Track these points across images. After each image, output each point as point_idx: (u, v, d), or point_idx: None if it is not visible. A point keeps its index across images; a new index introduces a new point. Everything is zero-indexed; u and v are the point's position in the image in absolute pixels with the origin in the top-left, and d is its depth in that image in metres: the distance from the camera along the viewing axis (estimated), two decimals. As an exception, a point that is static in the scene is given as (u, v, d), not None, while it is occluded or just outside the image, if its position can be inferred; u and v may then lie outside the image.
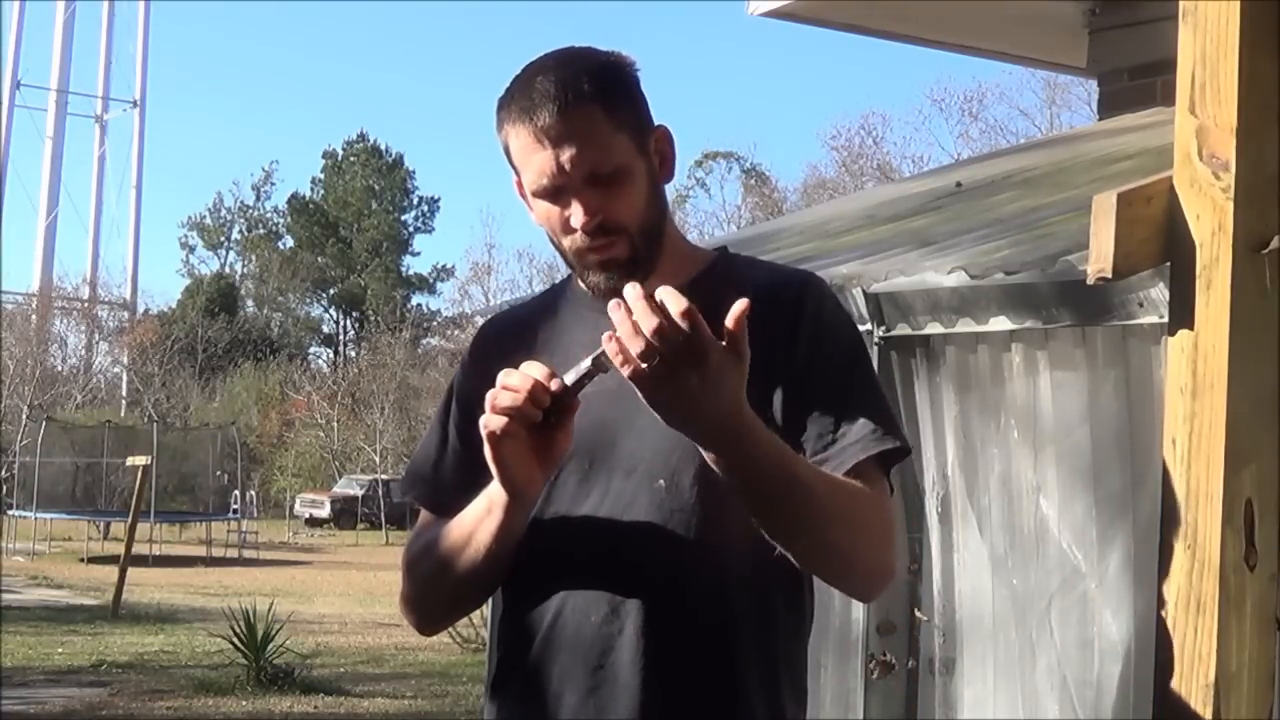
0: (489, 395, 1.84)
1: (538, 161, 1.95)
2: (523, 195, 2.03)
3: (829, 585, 2.01)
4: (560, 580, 1.95)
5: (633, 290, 1.73)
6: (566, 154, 1.93)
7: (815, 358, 1.97)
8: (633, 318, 1.71)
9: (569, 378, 1.83)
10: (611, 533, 1.93)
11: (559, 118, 1.93)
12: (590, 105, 1.94)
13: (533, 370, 1.83)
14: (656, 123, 2.03)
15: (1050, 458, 4.04)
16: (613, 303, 1.73)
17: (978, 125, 41.85)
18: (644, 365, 1.71)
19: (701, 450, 1.81)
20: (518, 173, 2.01)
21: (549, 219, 1.99)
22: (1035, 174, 5.64)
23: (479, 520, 1.95)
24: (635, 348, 1.71)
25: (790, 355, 1.96)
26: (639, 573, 1.92)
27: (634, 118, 1.99)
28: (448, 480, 2.08)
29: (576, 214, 1.95)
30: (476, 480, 1.97)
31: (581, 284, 2.06)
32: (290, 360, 54.19)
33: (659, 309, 1.71)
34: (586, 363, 1.81)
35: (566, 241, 1.99)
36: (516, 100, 1.97)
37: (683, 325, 1.70)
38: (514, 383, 1.83)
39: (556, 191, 1.96)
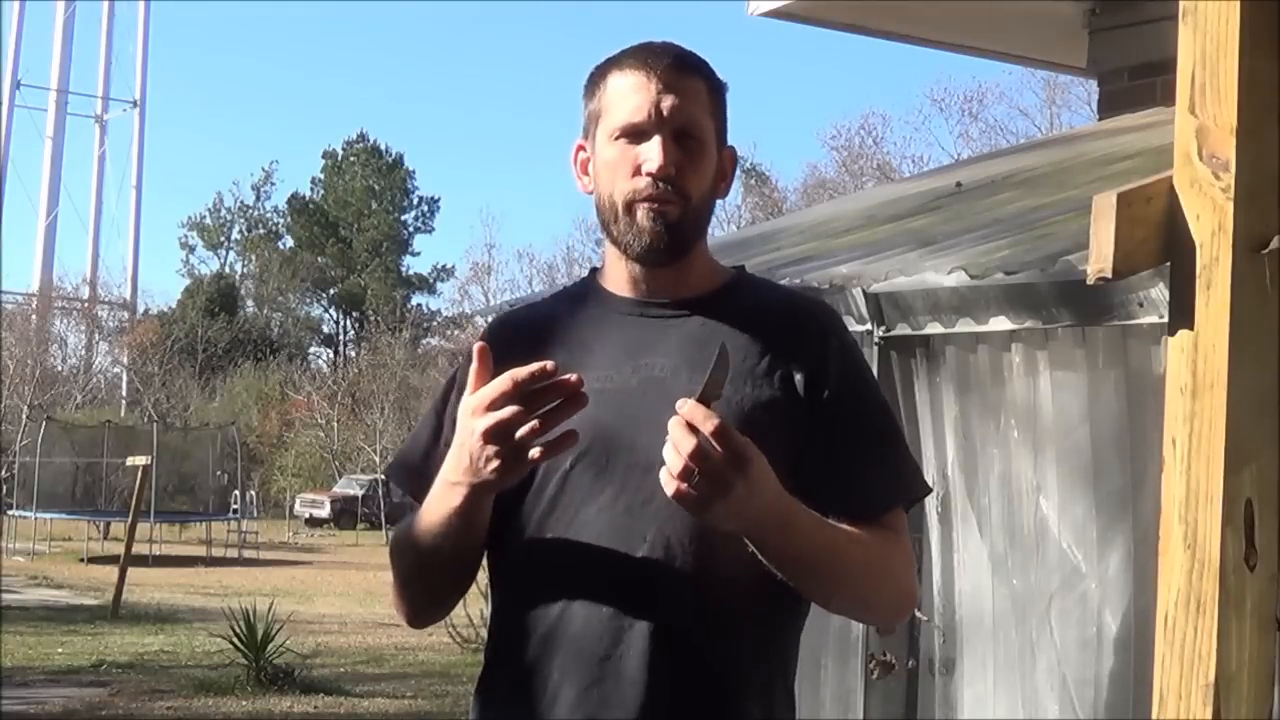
0: (521, 430, 1.81)
1: (638, 100, 2.00)
2: (578, 162, 2.08)
3: None
4: (570, 575, 1.95)
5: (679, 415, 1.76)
6: (669, 100, 1.99)
7: (846, 394, 2.02)
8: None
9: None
10: (625, 530, 1.93)
11: (675, 71, 2.01)
12: (700, 79, 2.04)
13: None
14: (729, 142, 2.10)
15: (1050, 458, 4.04)
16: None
17: (978, 125, 41.84)
18: (685, 485, 1.76)
19: (748, 541, 1.86)
20: (595, 123, 2.04)
21: (617, 162, 2.01)
22: (1035, 174, 5.65)
23: (449, 510, 1.93)
24: (676, 468, 1.75)
25: (817, 380, 2.00)
26: (652, 570, 1.92)
27: (721, 120, 2.07)
28: (435, 474, 2.08)
29: (654, 156, 1.98)
30: None
31: (605, 281, 2.08)
32: (290, 360, 54.16)
33: (693, 430, 1.75)
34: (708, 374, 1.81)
35: (625, 187, 2.00)
36: (630, 54, 2.04)
37: (716, 445, 1.74)
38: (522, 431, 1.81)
39: (640, 134, 1.99)
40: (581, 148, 2.08)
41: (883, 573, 1.98)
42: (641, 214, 1.99)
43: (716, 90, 2.06)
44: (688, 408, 1.76)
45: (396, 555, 2.07)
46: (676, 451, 1.75)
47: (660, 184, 1.98)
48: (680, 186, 1.99)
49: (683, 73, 2.01)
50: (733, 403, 1.95)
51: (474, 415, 1.83)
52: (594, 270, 2.15)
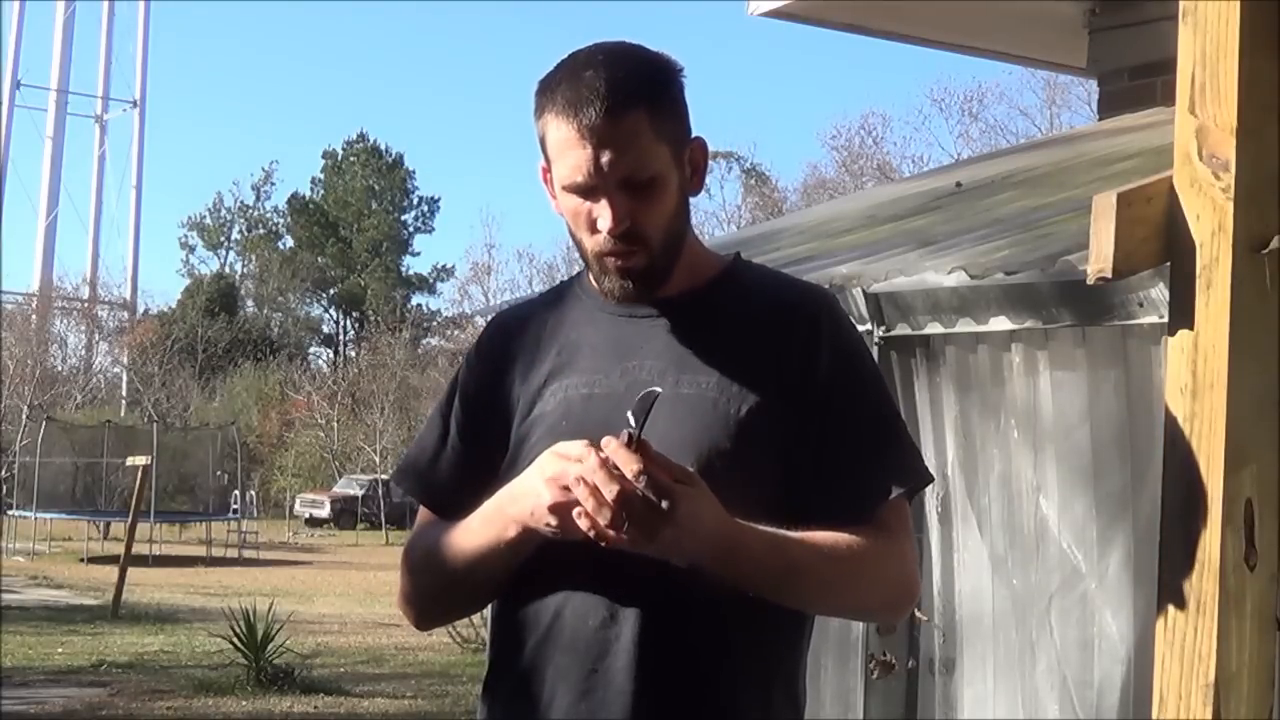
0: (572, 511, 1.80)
1: (575, 158, 1.92)
2: (547, 182, 2.02)
3: None
4: (560, 582, 1.95)
5: (592, 462, 1.76)
6: (606, 156, 1.90)
7: (838, 380, 1.98)
8: (592, 488, 1.75)
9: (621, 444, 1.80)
10: None
11: (605, 119, 1.90)
12: (637, 111, 1.92)
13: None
14: (694, 134, 2.02)
15: (1050, 458, 4.04)
16: (574, 479, 1.77)
17: (978, 125, 41.87)
18: (615, 533, 1.76)
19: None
20: (548, 161, 1.99)
21: (575, 215, 1.98)
22: (1035, 174, 5.64)
23: (497, 540, 1.93)
24: (604, 519, 1.76)
25: (808, 371, 1.97)
26: (638, 578, 1.90)
27: (675, 128, 1.98)
28: (446, 478, 2.08)
29: (605, 217, 1.93)
30: (475, 478, 1.99)
31: (593, 284, 2.06)
32: (290, 360, 54.11)
33: (618, 475, 1.74)
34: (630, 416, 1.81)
35: (588, 241, 1.98)
36: (562, 91, 1.93)
37: (639, 487, 1.74)
38: (590, 499, 1.80)
39: (588, 190, 1.94)
40: (546, 169, 2.02)
41: (859, 577, 1.92)
42: (609, 268, 1.98)
43: (660, 107, 1.95)
44: (612, 448, 1.76)
45: (421, 569, 2.06)
46: (601, 502, 1.75)
47: (618, 240, 1.95)
48: (639, 233, 1.95)
49: (616, 117, 1.89)
50: (719, 405, 1.94)
51: (549, 486, 1.83)
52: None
